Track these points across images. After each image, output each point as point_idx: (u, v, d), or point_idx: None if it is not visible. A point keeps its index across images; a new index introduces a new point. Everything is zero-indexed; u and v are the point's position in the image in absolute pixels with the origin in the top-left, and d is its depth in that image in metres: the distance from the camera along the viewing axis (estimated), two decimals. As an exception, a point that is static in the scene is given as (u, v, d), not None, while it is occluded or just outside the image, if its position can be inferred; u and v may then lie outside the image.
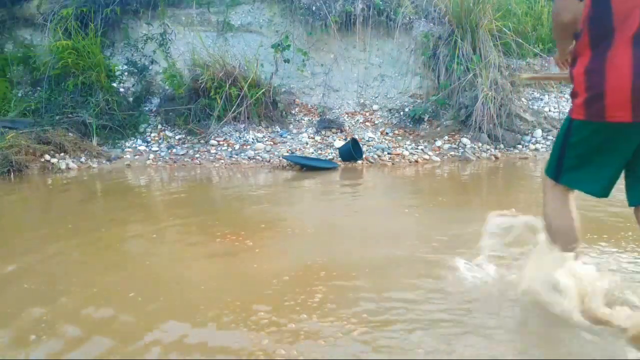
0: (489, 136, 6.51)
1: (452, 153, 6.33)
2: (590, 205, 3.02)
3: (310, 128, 6.92)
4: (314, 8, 7.47)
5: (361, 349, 1.60)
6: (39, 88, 7.09)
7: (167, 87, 7.15)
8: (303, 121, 7.09)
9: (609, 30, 1.51)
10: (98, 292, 2.14)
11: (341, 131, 6.79)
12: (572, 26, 1.65)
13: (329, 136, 6.71)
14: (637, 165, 1.61)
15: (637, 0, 1.48)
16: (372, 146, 6.42)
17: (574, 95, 1.65)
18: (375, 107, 7.32)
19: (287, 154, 6.17)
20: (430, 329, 1.70)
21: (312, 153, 6.27)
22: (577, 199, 1.81)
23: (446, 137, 6.63)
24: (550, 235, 1.78)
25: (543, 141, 6.62)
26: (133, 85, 7.31)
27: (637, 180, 1.63)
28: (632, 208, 1.68)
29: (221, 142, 6.56)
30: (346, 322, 1.76)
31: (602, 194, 1.69)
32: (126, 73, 7.36)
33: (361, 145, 6.17)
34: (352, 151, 5.90)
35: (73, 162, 6.04)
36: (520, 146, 6.55)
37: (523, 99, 7.12)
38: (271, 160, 6.11)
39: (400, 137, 6.72)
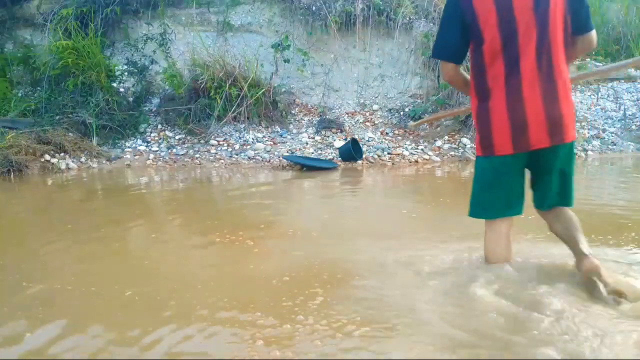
0: (489, 136, 6.49)
1: (452, 153, 6.33)
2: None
3: (310, 128, 6.91)
4: (314, 8, 7.47)
5: (359, 350, 1.59)
6: (39, 88, 7.10)
7: (167, 87, 7.15)
8: (303, 121, 7.08)
9: (487, 84, 1.92)
10: (96, 290, 2.13)
11: (341, 131, 6.79)
12: (455, 84, 2.12)
13: (329, 136, 6.71)
14: (535, 178, 2.04)
15: (517, 44, 1.84)
16: (372, 146, 6.42)
17: (476, 136, 2.05)
18: (375, 107, 7.31)
19: (287, 154, 6.16)
20: (431, 332, 1.69)
21: (312, 153, 6.27)
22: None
23: (446, 137, 6.63)
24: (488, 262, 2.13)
25: (543, 141, 6.62)
26: (133, 85, 7.31)
27: (538, 189, 2.05)
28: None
29: (221, 142, 6.56)
30: (344, 323, 1.75)
31: (516, 213, 2.06)
32: (126, 73, 7.36)
33: (361, 145, 6.16)
34: (352, 151, 5.89)
35: (73, 162, 6.05)
36: (520, 146, 6.54)
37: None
38: (271, 160, 6.11)
39: (400, 137, 6.72)
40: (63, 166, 5.90)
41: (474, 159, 6.09)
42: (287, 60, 7.36)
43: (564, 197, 2.02)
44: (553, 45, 1.85)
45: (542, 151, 1.90)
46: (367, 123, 7.03)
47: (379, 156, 6.17)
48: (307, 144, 6.51)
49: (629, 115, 7.31)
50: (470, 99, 2.03)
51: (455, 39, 1.94)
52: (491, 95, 1.91)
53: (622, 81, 7.97)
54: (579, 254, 1.93)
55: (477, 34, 1.88)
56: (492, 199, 2.03)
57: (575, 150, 2.00)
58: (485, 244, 2.11)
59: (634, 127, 7.10)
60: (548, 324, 1.65)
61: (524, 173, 2.02)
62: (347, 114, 7.22)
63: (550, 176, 1.98)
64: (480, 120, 1.97)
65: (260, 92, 6.69)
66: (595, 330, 1.58)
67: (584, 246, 1.92)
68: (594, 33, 1.95)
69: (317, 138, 6.66)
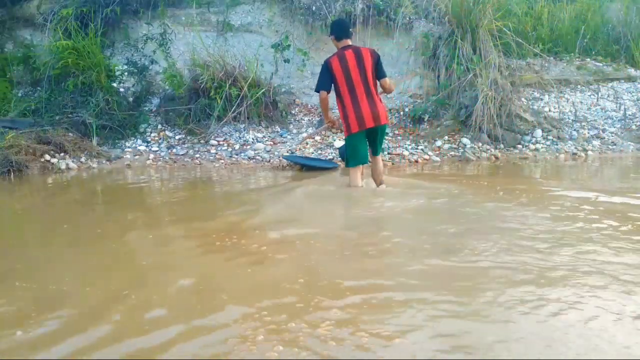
0: (489, 136, 6.50)
1: (452, 153, 6.33)
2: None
3: (310, 128, 6.91)
4: (314, 8, 7.47)
5: (359, 351, 1.59)
6: (39, 88, 7.10)
7: (167, 87, 7.14)
8: (303, 121, 7.08)
9: (344, 100, 3.96)
10: (91, 291, 2.13)
11: (341, 131, 6.78)
12: (324, 103, 4.03)
13: (329, 136, 6.71)
14: (370, 144, 4.11)
15: (353, 83, 3.91)
16: (372, 146, 6.40)
17: (343, 125, 4.06)
18: (375, 107, 7.30)
19: (287, 154, 6.16)
20: (438, 336, 1.68)
21: (312, 153, 6.27)
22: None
23: (446, 137, 6.63)
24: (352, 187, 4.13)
25: (543, 141, 6.61)
26: (133, 85, 7.31)
27: (372, 148, 4.14)
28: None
29: (221, 142, 6.56)
30: (347, 324, 1.75)
31: (365, 163, 4.10)
32: (126, 73, 7.35)
33: (361, 145, 6.15)
34: (352, 151, 5.88)
35: (73, 162, 6.04)
36: (520, 146, 6.54)
37: (523, 99, 7.11)
38: (271, 160, 6.11)
39: (400, 137, 6.72)
40: (63, 166, 5.90)
41: (474, 159, 6.17)
42: (287, 60, 7.36)
43: (378, 150, 4.17)
44: (370, 82, 3.94)
45: (372, 129, 3.97)
46: (367, 123, 7.02)
47: (379, 156, 6.16)
48: (307, 144, 6.51)
49: (629, 115, 7.31)
50: (338, 108, 4.09)
51: (327, 81, 3.95)
52: (346, 105, 3.95)
53: (622, 81, 7.97)
54: (375, 177, 4.28)
55: (335, 80, 3.95)
56: (357, 156, 4.04)
57: (387, 129, 4.28)
58: (351, 178, 4.12)
59: (634, 127, 7.10)
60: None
61: (367, 143, 4.07)
62: (347, 114, 7.20)
63: (375, 142, 4.10)
64: (345, 117, 3.97)
65: (260, 92, 6.69)
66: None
67: (380, 175, 4.26)
68: (387, 79, 4.06)
69: (317, 138, 6.66)
